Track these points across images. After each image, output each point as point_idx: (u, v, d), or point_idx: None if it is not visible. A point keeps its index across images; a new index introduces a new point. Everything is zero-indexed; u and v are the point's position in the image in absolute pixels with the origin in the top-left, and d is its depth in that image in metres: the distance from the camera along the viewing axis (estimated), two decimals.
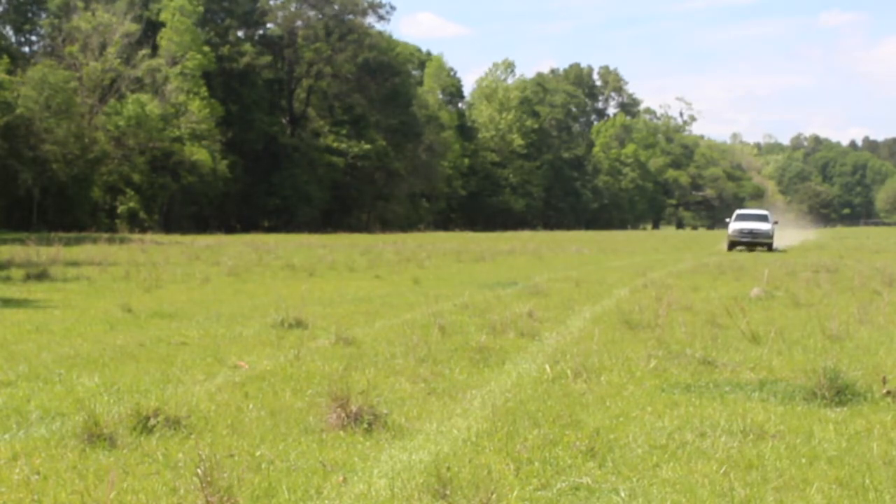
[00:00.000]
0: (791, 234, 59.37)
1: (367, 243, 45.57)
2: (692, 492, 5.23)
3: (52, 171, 58.46)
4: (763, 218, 46.33)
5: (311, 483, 5.31)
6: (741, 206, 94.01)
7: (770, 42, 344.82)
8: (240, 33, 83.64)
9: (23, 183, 58.00)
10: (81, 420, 6.12)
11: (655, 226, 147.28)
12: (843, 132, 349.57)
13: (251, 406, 7.16)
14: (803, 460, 5.91)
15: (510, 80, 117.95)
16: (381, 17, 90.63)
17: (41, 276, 19.03)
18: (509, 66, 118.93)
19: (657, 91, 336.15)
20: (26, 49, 75.56)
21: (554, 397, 7.66)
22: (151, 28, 72.14)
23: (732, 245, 44.88)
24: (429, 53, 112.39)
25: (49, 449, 5.91)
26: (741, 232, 44.44)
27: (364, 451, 5.99)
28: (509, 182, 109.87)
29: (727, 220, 47.95)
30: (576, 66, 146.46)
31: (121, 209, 66.22)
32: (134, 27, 67.54)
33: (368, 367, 8.95)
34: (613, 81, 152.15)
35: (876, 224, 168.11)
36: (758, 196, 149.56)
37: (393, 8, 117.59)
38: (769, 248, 43.77)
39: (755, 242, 43.85)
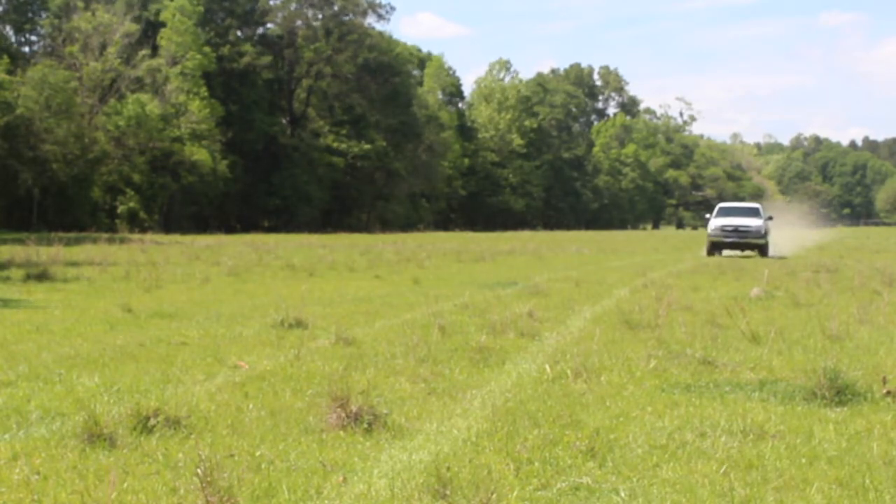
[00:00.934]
0: (794, 235, 51.79)
1: (367, 243, 45.56)
2: (692, 492, 5.23)
3: (52, 171, 58.47)
4: (753, 212, 37.07)
5: (311, 483, 5.31)
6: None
7: (770, 42, 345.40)
8: (240, 33, 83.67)
9: (23, 183, 58.02)
10: (81, 420, 6.12)
11: (655, 226, 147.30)
12: (843, 132, 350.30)
13: (251, 406, 7.16)
14: (803, 460, 5.91)
15: (507, 80, 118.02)
16: (380, 17, 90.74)
17: (41, 276, 19.00)
18: (504, 66, 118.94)
19: (657, 91, 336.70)
20: (26, 49, 75.67)
21: (554, 397, 7.66)
22: (151, 28, 72.20)
23: (714, 247, 35.81)
24: (429, 53, 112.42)
25: (49, 449, 5.91)
26: (724, 230, 35.40)
27: (364, 451, 5.99)
28: (509, 182, 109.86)
29: (707, 216, 37.78)
30: (576, 66, 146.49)
31: (121, 209, 66.23)
32: (134, 27, 67.59)
33: (368, 367, 8.94)
34: (613, 81, 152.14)
35: (876, 224, 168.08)
36: (758, 196, 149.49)
37: (393, 8, 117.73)
38: (762, 251, 35.31)
39: (744, 244, 35.35)
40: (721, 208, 38.00)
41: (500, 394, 7.77)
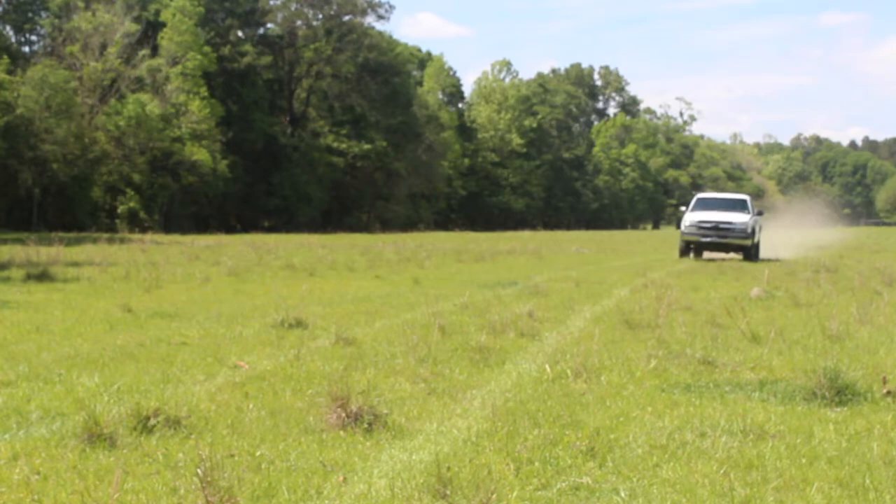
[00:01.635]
0: (793, 236, 47.34)
1: (367, 243, 45.55)
2: (692, 492, 5.23)
3: (52, 171, 58.48)
4: (738, 205, 30.30)
5: (311, 483, 5.31)
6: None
7: (770, 42, 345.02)
8: (240, 33, 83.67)
9: (23, 183, 58.01)
10: (81, 420, 6.12)
11: (656, 226, 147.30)
12: (843, 132, 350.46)
13: (251, 406, 7.16)
14: (803, 460, 5.91)
15: (507, 80, 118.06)
16: (380, 17, 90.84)
17: (41, 276, 18.98)
18: (504, 66, 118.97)
19: (657, 91, 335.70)
20: (26, 49, 75.61)
21: (554, 397, 7.66)
22: (151, 28, 72.17)
23: (687, 248, 29.50)
24: (429, 54, 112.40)
25: (49, 449, 5.91)
26: (701, 227, 28.77)
27: (364, 451, 6.00)
28: (509, 182, 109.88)
29: (682, 208, 30.92)
30: (576, 66, 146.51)
31: (121, 209, 66.21)
32: (134, 27, 67.57)
33: (368, 367, 8.94)
34: (614, 81, 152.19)
35: (876, 224, 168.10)
36: (758, 196, 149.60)
37: (392, 7, 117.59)
38: (748, 254, 28.82)
39: (725, 244, 28.68)
40: (700, 199, 31.28)
41: (500, 394, 7.77)
